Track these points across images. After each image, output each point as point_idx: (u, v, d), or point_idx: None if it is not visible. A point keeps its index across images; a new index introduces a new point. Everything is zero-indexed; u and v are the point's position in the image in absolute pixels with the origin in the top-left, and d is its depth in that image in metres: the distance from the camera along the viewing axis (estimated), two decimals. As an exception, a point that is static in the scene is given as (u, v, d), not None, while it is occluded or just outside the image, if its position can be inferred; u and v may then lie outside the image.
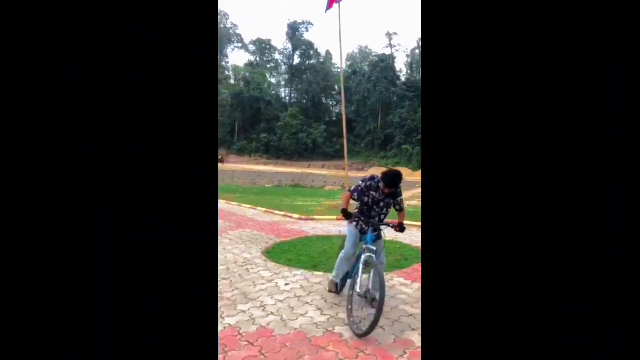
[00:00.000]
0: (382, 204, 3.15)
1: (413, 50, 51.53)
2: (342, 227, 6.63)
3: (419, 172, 28.04)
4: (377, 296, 2.65)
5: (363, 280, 2.89)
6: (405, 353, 2.43)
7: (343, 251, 3.26)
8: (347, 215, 3.07)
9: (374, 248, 2.94)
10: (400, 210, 3.21)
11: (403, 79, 48.40)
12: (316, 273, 4.14)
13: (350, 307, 2.84)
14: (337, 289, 3.34)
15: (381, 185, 3.05)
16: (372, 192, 3.12)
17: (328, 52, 53.38)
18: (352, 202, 3.19)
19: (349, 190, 3.20)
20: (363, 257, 2.91)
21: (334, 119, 49.59)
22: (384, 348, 2.49)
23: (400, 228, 3.11)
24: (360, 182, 3.18)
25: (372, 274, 2.90)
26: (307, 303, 3.27)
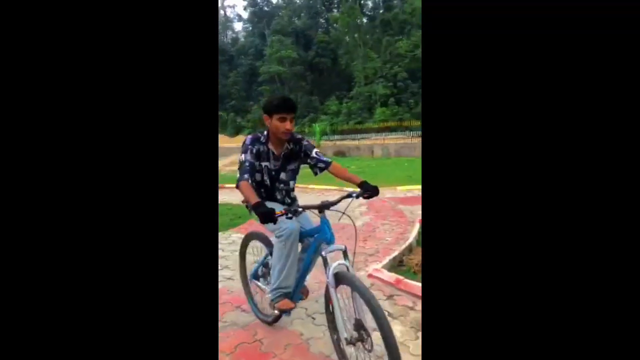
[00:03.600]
0: (283, 173, 2.01)
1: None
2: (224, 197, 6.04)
3: (235, 138, 29.00)
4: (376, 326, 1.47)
5: (344, 309, 1.68)
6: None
7: (278, 269, 1.92)
8: (267, 214, 1.56)
9: (342, 247, 1.72)
10: (328, 164, 1.99)
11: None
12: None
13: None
14: (292, 301, 1.99)
15: (271, 146, 1.96)
16: (263, 164, 1.96)
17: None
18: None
19: (239, 179, 1.79)
20: (332, 267, 1.66)
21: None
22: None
23: (368, 189, 1.82)
24: (242, 156, 1.87)
25: (351, 296, 1.64)
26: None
